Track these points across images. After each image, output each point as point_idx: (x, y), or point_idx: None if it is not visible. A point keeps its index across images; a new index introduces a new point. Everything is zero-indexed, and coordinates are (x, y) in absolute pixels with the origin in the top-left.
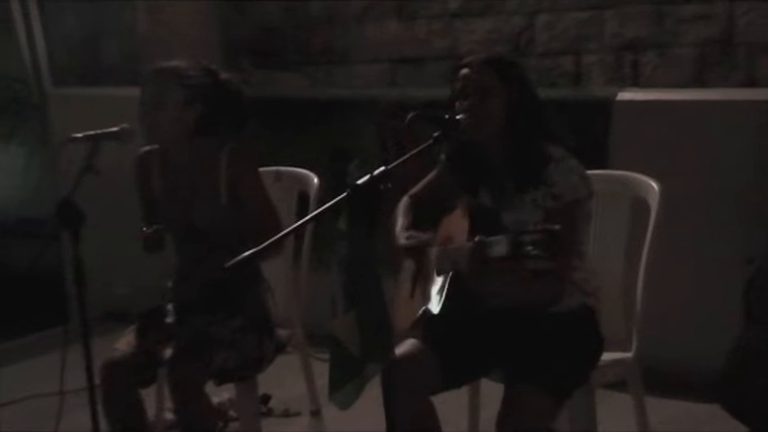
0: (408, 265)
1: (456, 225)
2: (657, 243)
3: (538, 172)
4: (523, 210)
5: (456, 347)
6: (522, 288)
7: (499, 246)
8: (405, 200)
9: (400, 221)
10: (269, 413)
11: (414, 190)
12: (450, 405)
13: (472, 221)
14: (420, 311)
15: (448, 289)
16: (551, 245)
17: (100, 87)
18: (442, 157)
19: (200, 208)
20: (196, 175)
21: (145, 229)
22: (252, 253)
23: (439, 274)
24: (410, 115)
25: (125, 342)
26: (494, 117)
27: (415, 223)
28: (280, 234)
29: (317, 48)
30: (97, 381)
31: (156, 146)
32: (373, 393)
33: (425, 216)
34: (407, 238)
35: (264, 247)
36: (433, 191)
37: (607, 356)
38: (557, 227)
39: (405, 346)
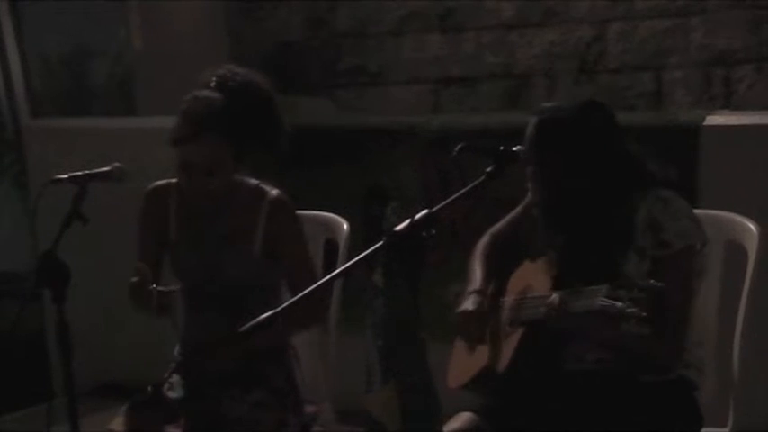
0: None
1: (538, 274)
2: (757, 296)
3: (631, 217)
4: (625, 261)
5: (521, 418)
6: (629, 347)
7: (590, 298)
8: (485, 239)
9: (478, 272)
10: None
11: (495, 228)
12: None
13: (560, 273)
14: (479, 368)
15: (519, 344)
16: (653, 305)
17: (86, 118)
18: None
19: (229, 259)
20: (228, 220)
21: (155, 286)
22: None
23: (512, 326)
24: (457, 147)
25: (121, 422)
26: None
27: (497, 269)
28: (301, 294)
29: (346, 67)
30: None
31: (172, 180)
32: None
33: (509, 260)
34: (474, 304)
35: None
36: (517, 230)
37: None
38: (661, 284)
39: (456, 422)
